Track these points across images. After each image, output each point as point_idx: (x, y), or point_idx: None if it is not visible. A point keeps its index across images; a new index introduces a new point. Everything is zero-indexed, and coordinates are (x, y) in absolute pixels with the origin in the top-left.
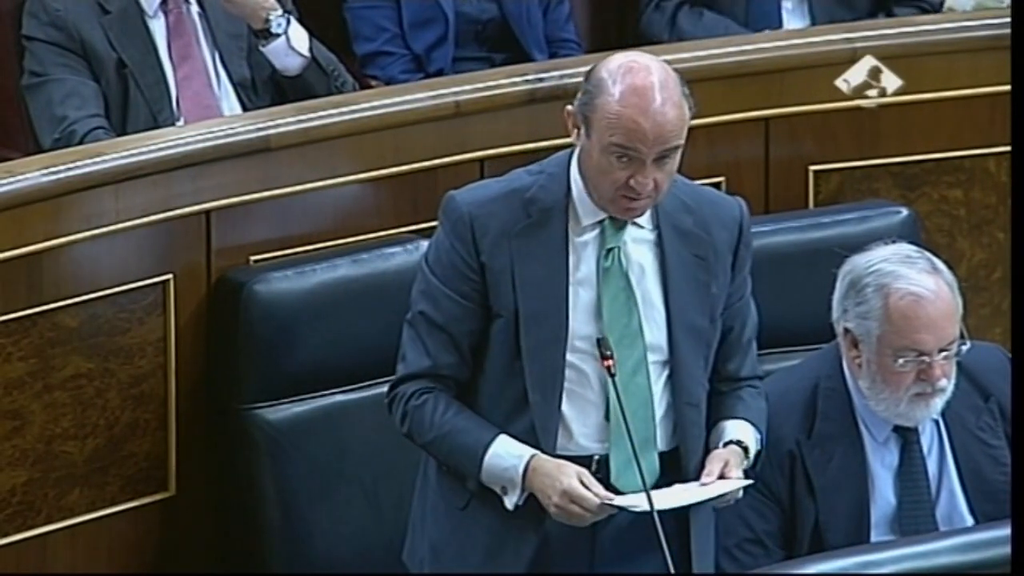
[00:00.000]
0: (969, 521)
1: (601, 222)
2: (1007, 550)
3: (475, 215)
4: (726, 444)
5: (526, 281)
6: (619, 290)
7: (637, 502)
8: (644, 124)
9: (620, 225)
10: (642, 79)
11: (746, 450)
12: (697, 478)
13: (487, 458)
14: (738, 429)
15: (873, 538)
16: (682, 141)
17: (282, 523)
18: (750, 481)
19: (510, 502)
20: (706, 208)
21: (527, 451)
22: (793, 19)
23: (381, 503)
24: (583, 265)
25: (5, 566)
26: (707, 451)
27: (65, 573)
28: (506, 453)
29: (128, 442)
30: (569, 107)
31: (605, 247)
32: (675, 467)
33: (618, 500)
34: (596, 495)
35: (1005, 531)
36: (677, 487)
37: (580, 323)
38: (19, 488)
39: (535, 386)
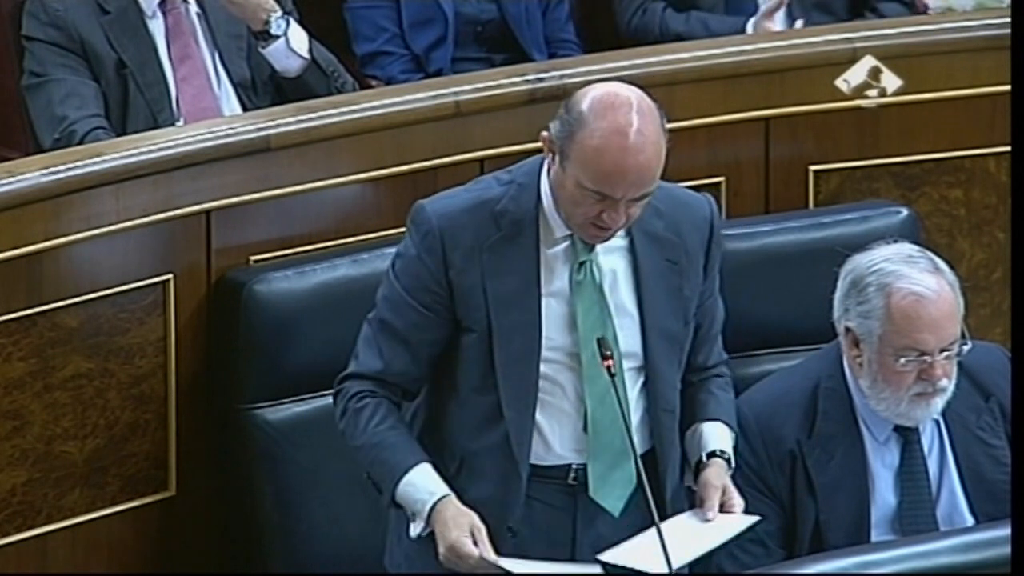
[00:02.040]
0: (970, 521)
1: (572, 235)
2: (1007, 550)
3: (445, 228)
4: (709, 455)
5: (498, 296)
6: (592, 303)
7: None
8: (620, 175)
9: None
10: (623, 119)
11: (728, 460)
12: (678, 484)
13: (402, 483)
14: (717, 435)
15: (873, 538)
16: (656, 184)
17: (281, 523)
18: (757, 518)
19: (414, 531)
20: (677, 210)
21: (440, 490)
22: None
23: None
24: (555, 278)
25: (5, 566)
26: (683, 453)
27: (65, 573)
28: (421, 485)
29: (128, 442)
30: (545, 132)
31: (577, 260)
32: (652, 472)
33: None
34: (482, 554)
35: (1005, 531)
36: (681, 521)
37: (554, 335)
38: (19, 488)
39: (509, 400)
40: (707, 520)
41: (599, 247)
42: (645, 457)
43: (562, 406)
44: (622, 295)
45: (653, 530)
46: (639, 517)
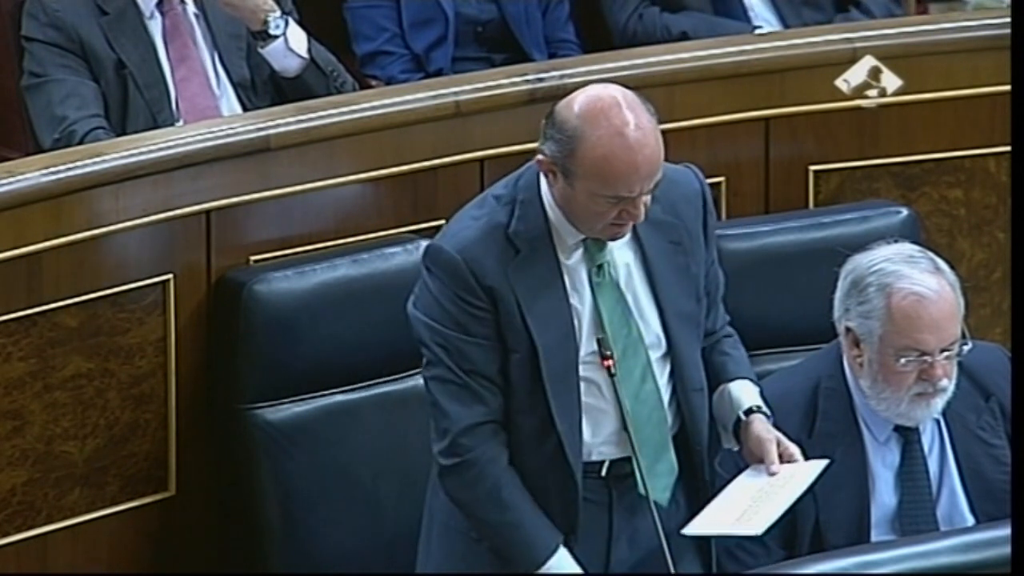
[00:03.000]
0: (970, 521)
1: (584, 239)
2: (1007, 550)
3: (469, 259)
4: (747, 412)
5: (535, 315)
6: (615, 302)
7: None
8: (635, 173)
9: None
10: (618, 120)
11: (766, 415)
12: (710, 461)
13: (551, 562)
14: (747, 392)
15: (873, 538)
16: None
17: (282, 523)
18: (827, 461)
19: None
20: (669, 190)
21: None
22: (760, 20)
23: (381, 503)
24: (578, 284)
25: (5, 566)
26: (712, 418)
27: (65, 573)
28: (570, 567)
29: (128, 442)
30: (541, 156)
31: (594, 264)
32: (687, 454)
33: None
34: None
35: (1005, 531)
36: (745, 482)
37: (585, 340)
38: (19, 488)
39: (561, 414)
40: (772, 474)
41: (609, 244)
42: (677, 438)
43: (600, 405)
44: (637, 287)
45: (736, 484)
46: (679, 505)
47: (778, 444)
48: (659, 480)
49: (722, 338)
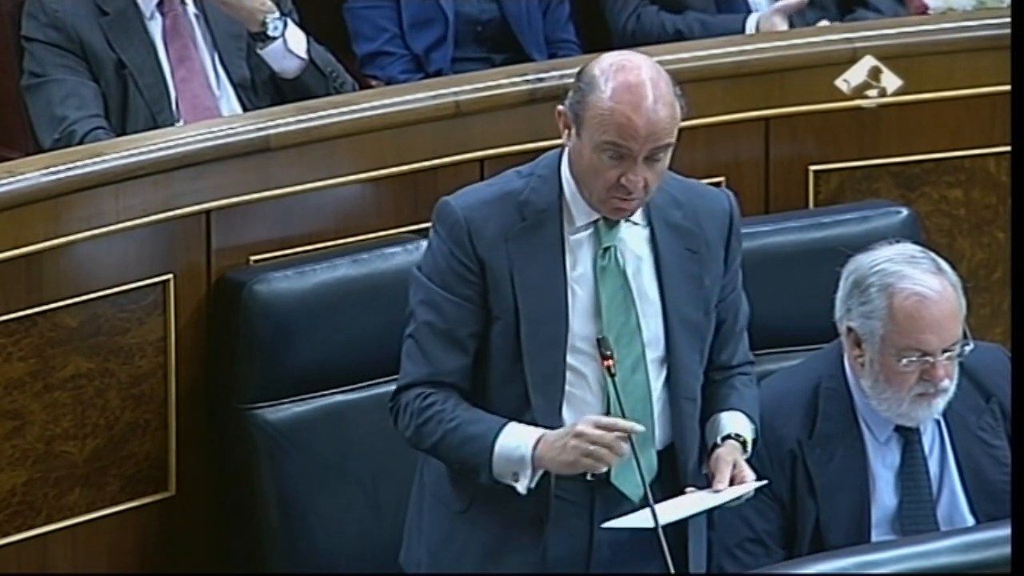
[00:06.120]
0: (970, 521)
1: (595, 222)
2: (1007, 550)
3: (471, 219)
4: (724, 439)
5: (525, 284)
6: (617, 288)
7: (650, 516)
8: (636, 121)
9: (614, 223)
10: (634, 76)
11: (744, 443)
12: (697, 474)
13: (496, 449)
14: (734, 422)
15: (874, 538)
16: (673, 140)
17: (282, 523)
18: (765, 481)
19: (522, 486)
20: (696, 201)
21: (535, 432)
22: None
23: (381, 503)
24: (579, 265)
25: (5, 566)
26: (703, 443)
27: (65, 573)
28: (515, 438)
29: (128, 442)
30: (560, 107)
31: (601, 246)
32: (672, 463)
33: (629, 520)
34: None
35: (1005, 531)
36: (691, 495)
37: (579, 323)
38: (19, 488)
39: (536, 388)
40: (717, 492)
41: (622, 233)
42: (668, 450)
43: (585, 397)
44: (644, 283)
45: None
46: None
47: (735, 467)
48: (634, 475)
49: (737, 374)
